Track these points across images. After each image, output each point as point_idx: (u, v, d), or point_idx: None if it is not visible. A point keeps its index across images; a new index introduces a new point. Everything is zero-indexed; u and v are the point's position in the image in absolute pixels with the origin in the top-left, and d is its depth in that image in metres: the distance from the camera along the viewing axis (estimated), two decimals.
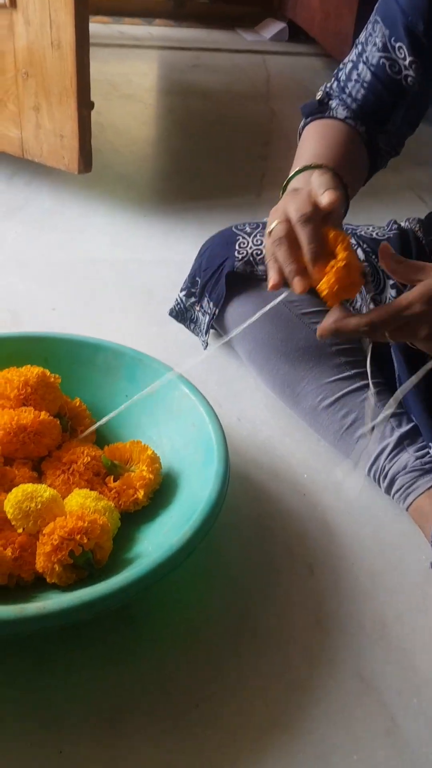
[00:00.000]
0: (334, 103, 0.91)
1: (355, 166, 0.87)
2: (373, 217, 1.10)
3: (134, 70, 2.37)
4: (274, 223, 0.68)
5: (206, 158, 1.76)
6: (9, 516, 0.69)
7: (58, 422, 0.80)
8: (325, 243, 0.66)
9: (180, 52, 2.65)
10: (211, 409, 0.81)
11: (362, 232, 0.98)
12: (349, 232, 0.98)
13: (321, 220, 0.68)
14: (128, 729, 0.61)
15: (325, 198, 0.68)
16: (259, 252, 1.02)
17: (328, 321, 0.68)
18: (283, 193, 0.78)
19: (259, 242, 1.02)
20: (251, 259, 1.00)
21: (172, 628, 0.69)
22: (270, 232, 0.68)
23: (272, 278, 0.68)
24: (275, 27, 3.00)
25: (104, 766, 0.58)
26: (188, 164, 1.74)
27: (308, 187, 0.72)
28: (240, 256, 1.00)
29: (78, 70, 1.24)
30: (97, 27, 2.70)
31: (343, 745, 0.60)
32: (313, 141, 0.86)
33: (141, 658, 0.66)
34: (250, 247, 1.02)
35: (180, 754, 0.59)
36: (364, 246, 0.94)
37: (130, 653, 0.67)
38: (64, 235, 1.35)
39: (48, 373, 0.82)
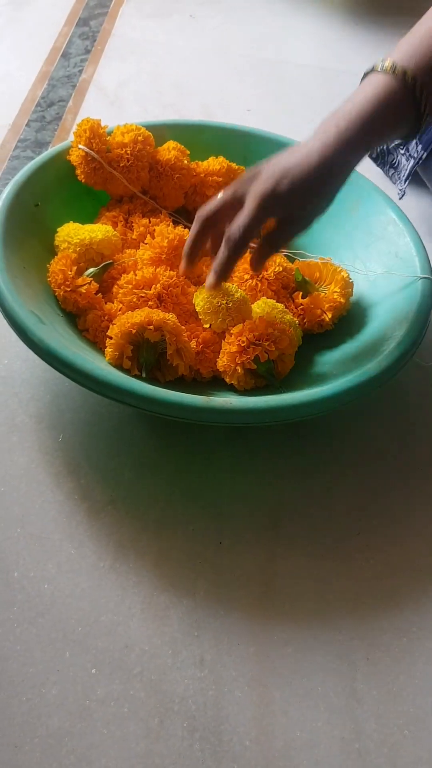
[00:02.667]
0: None
1: None
2: None
3: None
4: (220, 195, 0.61)
5: None
6: (198, 309, 0.66)
7: None
8: (230, 270, 0.62)
9: None
10: (420, 242, 0.73)
11: None
12: None
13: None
14: (287, 537, 0.60)
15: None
16: None
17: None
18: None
19: None
20: None
21: (340, 455, 0.67)
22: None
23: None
24: None
25: (259, 565, 0.59)
26: None
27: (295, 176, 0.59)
28: None
29: None
30: None
31: None
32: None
33: (306, 476, 0.65)
34: None
35: (336, 573, 0.59)
36: None
37: (296, 469, 0.65)
38: (266, 30, 1.22)
39: None
